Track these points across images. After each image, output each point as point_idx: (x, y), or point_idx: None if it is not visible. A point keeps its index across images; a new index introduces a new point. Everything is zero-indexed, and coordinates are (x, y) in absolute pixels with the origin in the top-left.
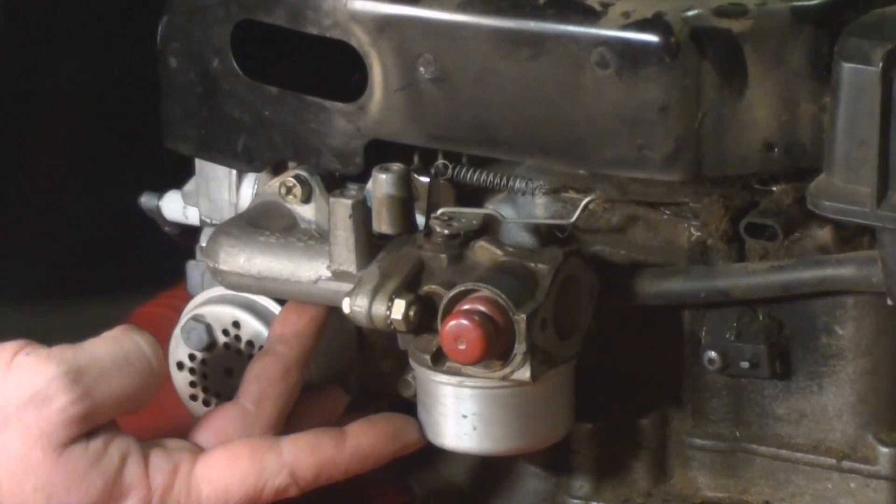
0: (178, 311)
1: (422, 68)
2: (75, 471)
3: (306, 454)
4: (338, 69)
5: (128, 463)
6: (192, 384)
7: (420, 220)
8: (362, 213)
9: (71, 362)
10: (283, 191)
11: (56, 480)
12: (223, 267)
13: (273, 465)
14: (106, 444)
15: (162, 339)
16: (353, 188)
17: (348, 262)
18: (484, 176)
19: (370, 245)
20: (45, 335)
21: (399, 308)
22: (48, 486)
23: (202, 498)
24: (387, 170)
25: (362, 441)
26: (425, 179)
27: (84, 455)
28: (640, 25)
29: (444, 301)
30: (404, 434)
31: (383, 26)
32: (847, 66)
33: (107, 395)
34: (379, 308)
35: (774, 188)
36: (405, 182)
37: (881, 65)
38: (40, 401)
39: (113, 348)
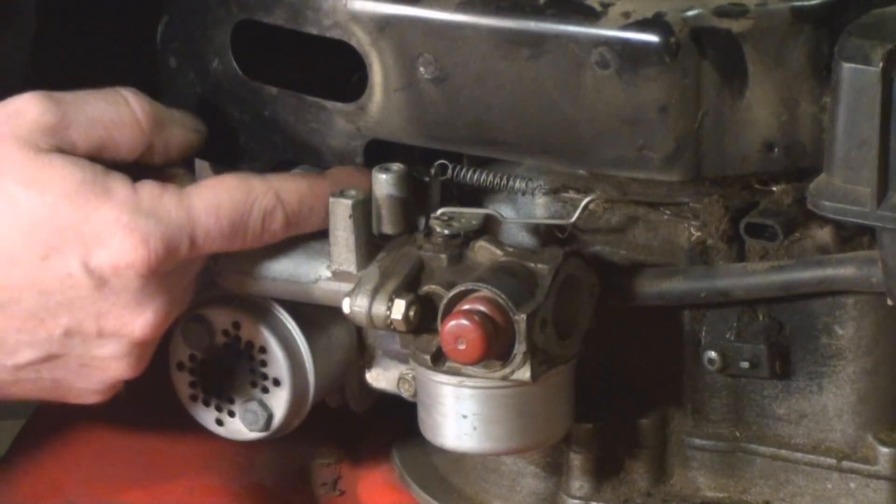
0: None
1: (422, 68)
2: (51, 166)
3: (289, 180)
4: (338, 69)
5: (112, 173)
6: (192, 384)
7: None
8: (362, 213)
9: (49, 93)
10: None
11: (33, 173)
12: (223, 267)
13: (259, 186)
14: (89, 162)
15: (162, 340)
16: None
17: (348, 262)
18: (484, 176)
19: (370, 245)
20: None
21: (399, 308)
22: (25, 177)
23: (193, 211)
24: (387, 170)
25: (339, 175)
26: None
27: (63, 159)
28: (640, 25)
29: (444, 301)
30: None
31: (383, 26)
32: (847, 66)
33: (82, 113)
34: (379, 308)
35: (774, 188)
36: (405, 182)
37: (881, 65)
38: (16, 113)
39: (90, 90)
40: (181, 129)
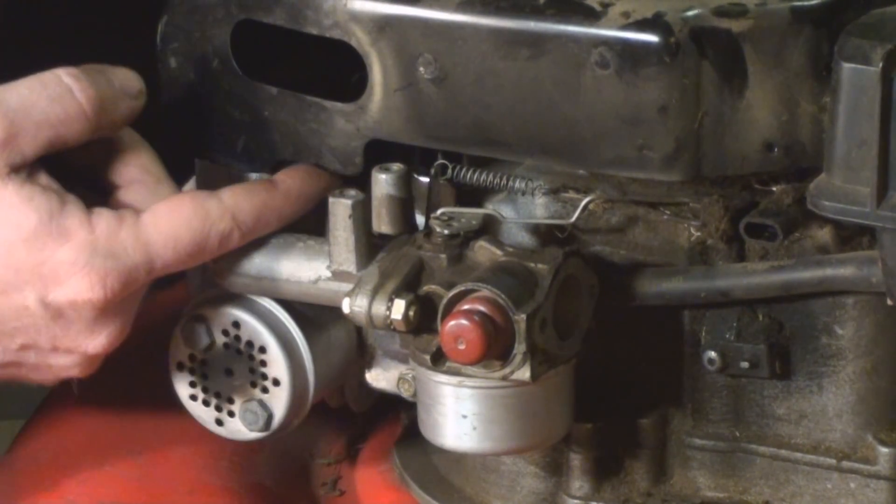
0: (178, 312)
1: (422, 68)
2: (6, 202)
3: (244, 199)
4: (338, 69)
5: (67, 207)
6: (192, 384)
7: (420, 220)
8: (362, 213)
9: None
10: None
11: None
12: (223, 267)
13: (215, 210)
14: (44, 188)
15: (162, 340)
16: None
17: (348, 262)
18: (484, 176)
19: (370, 245)
20: None
21: (399, 308)
22: None
23: (150, 247)
24: (387, 170)
25: (290, 184)
26: (425, 179)
27: (18, 190)
28: (640, 25)
29: (444, 301)
30: (323, 174)
31: (383, 26)
32: (847, 66)
33: (28, 119)
34: (379, 308)
35: (774, 188)
36: (405, 182)
37: (881, 65)
38: None
39: (34, 83)
40: (125, 102)
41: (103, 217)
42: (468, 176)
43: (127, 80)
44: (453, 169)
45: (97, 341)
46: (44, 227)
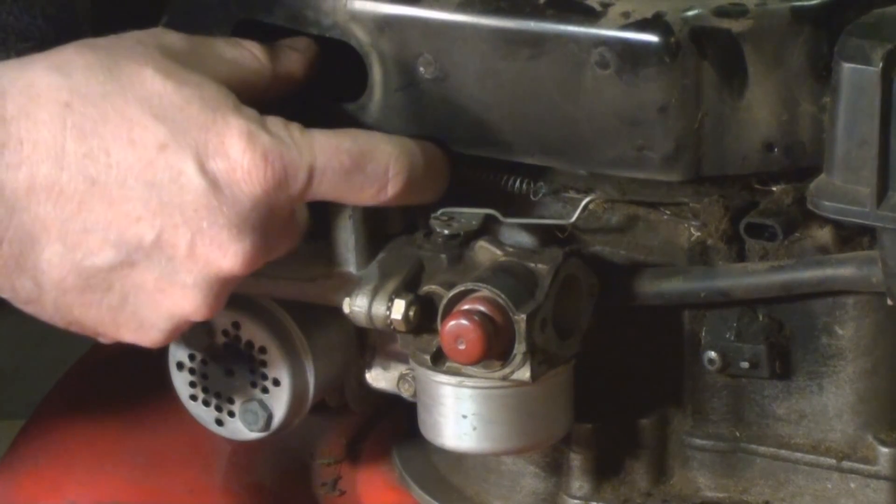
0: None
1: (422, 68)
2: (191, 71)
3: (414, 142)
4: (338, 69)
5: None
6: (192, 384)
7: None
8: (362, 213)
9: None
10: None
11: (175, 70)
12: None
13: (384, 139)
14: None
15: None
16: None
17: (348, 262)
18: (484, 176)
19: (370, 245)
20: (45, 336)
21: (399, 308)
22: (166, 70)
23: (315, 142)
24: None
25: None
26: None
27: (201, 73)
28: (640, 25)
29: (444, 301)
30: None
31: (383, 26)
32: (847, 66)
33: (210, 48)
34: (379, 308)
35: (774, 188)
36: None
37: (881, 65)
38: (154, 34)
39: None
40: (294, 53)
41: (275, 117)
42: (468, 175)
43: (292, 39)
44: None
45: (237, 248)
46: (222, 95)
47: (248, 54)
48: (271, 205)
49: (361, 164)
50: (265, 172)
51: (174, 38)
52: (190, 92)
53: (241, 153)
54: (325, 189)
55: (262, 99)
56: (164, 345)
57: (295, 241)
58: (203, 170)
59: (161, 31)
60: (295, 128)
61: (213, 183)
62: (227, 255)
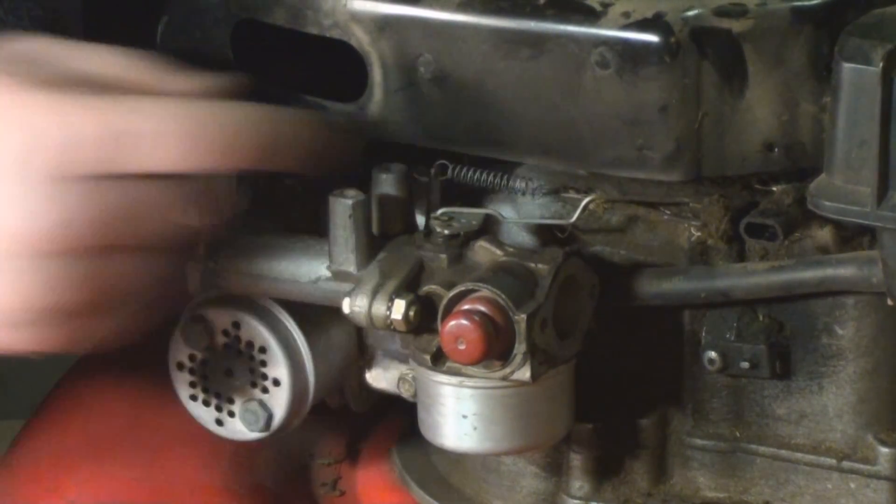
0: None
1: (422, 68)
2: None
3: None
4: (338, 69)
5: None
6: (192, 384)
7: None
8: (362, 213)
9: None
10: None
11: None
12: (223, 267)
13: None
14: None
15: (162, 340)
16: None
17: (348, 262)
18: (484, 176)
19: (370, 245)
20: None
21: (399, 308)
22: None
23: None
24: (387, 170)
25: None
26: (425, 179)
27: None
28: (640, 25)
29: (444, 301)
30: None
31: (383, 26)
32: (847, 66)
33: None
34: (379, 308)
35: (774, 188)
36: (405, 182)
37: (881, 65)
38: None
39: None
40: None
41: None
42: (468, 176)
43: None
44: (453, 169)
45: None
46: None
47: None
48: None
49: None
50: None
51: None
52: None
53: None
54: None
55: None
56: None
57: None
58: None
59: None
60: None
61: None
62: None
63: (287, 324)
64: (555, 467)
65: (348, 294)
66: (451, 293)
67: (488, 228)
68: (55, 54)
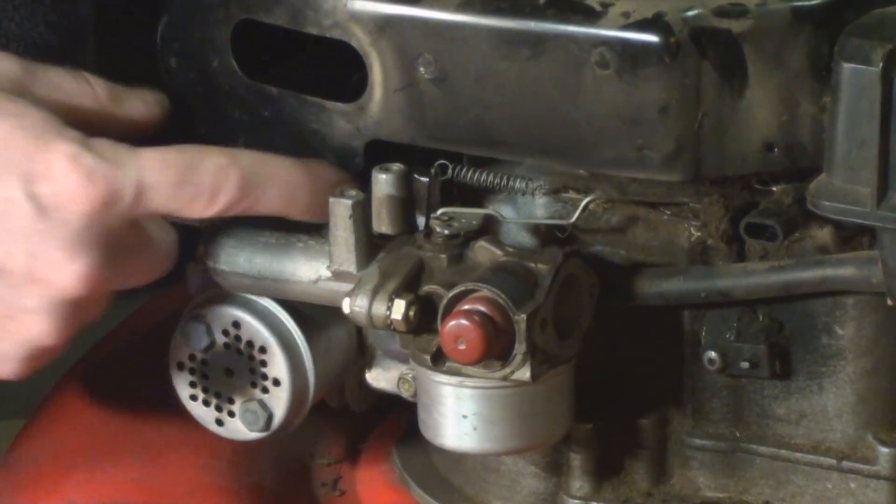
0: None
1: (422, 68)
2: (14, 101)
3: (249, 152)
4: (338, 69)
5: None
6: (192, 384)
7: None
8: (362, 213)
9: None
10: None
11: None
12: (223, 267)
13: (215, 148)
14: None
15: (162, 340)
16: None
17: (348, 262)
18: (484, 176)
19: (370, 245)
20: None
21: (399, 308)
22: None
23: (142, 158)
24: (387, 170)
25: (318, 167)
26: (425, 179)
27: (25, 101)
28: (640, 25)
29: (444, 301)
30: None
31: (383, 26)
32: (847, 66)
33: (45, 75)
34: (379, 308)
35: (774, 188)
36: (405, 182)
37: (881, 65)
38: None
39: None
40: (140, 102)
41: (102, 139)
42: (468, 176)
43: (148, 91)
44: (453, 169)
45: (75, 267)
46: (46, 122)
47: (87, 89)
48: (103, 223)
49: (188, 176)
50: (89, 191)
51: (5, 66)
52: (11, 123)
53: (65, 175)
54: (158, 203)
55: (100, 135)
56: (27, 376)
57: (157, 259)
58: (31, 196)
59: None
60: (122, 147)
61: (41, 207)
62: (64, 275)
63: (287, 324)
64: (555, 467)
65: (348, 294)
66: (451, 293)
67: (488, 228)
68: (14, 79)
